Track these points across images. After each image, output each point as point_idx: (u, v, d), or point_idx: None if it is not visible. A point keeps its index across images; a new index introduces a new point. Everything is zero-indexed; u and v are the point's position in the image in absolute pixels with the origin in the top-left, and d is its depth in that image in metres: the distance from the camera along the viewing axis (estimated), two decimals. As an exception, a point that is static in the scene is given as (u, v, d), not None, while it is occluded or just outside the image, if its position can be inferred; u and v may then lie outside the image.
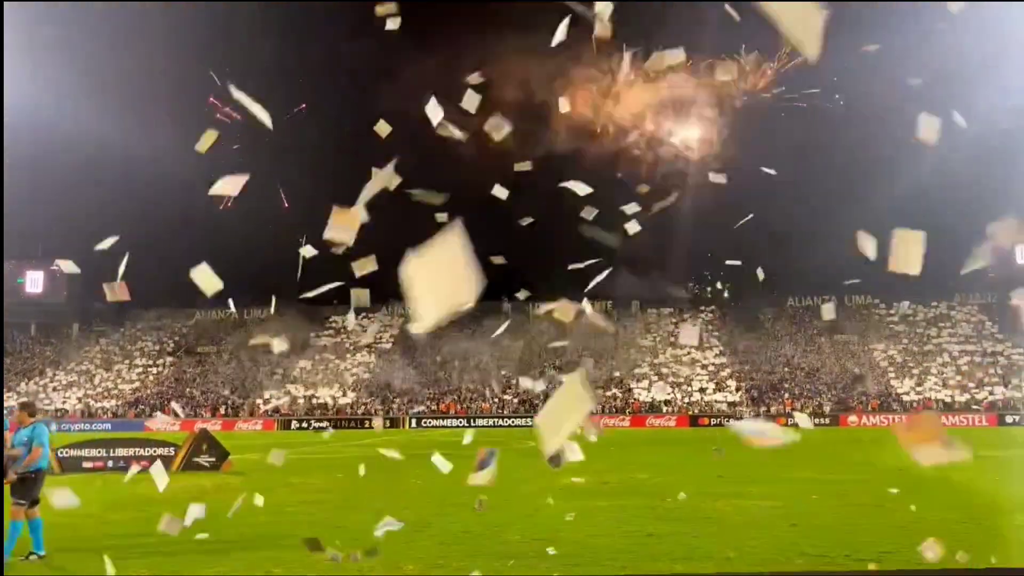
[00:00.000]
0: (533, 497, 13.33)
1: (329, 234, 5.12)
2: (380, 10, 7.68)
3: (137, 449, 19.85)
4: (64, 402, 61.36)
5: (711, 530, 10.23)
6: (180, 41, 52.66)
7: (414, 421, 54.37)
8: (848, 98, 50.12)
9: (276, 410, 57.93)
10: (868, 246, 5.61)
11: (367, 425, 54.03)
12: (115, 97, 51.35)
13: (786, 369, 57.82)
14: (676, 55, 9.14)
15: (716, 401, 54.51)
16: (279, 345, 10.76)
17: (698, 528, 10.38)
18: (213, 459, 19.34)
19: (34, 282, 68.88)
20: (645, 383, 57.55)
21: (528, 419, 53.18)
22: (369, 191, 5.39)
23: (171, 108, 53.87)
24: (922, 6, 41.80)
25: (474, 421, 53.50)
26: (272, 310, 71.75)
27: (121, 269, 8.01)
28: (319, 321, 70.49)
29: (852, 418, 49.87)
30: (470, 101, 8.39)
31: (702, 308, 66.70)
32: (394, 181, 6.29)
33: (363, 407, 57.78)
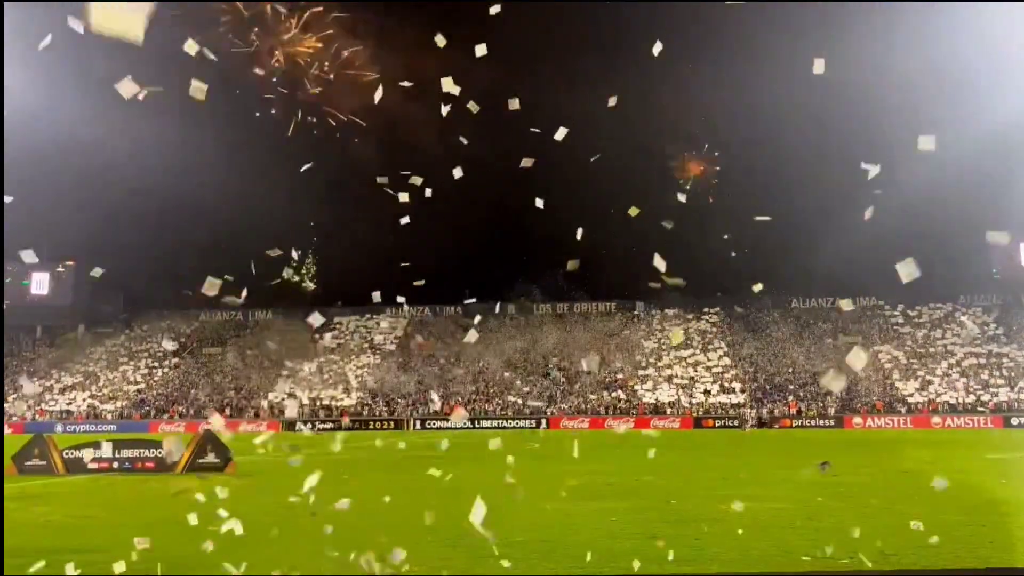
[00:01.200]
0: (537, 498, 13.33)
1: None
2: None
3: (142, 450, 19.88)
4: (70, 403, 61.55)
5: (715, 532, 10.22)
6: (185, 40, 52.65)
7: (418, 423, 54.41)
8: (851, 100, 50.06)
9: (281, 411, 58.01)
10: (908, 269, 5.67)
11: (370, 427, 54.22)
12: (121, 99, 51.42)
13: (791, 371, 57.73)
14: None
15: (720, 403, 54.47)
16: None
17: (702, 530, 10.37)
18: (218, 460, 19.35)
19: (40, 284, 69.09)
20: (650, 385, 57.52)
21: (531, 420, 53.22)
22: None
23: (177, 111, 53.97)
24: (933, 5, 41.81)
25: (478, 423, 53.54)
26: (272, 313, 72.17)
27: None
28: (324, 323, 70.62)
29: (857, 420, 49.79)
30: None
31: (706, 310, 66.64)
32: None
33: (367, 408, 57.86)
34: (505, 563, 8.44)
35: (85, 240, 60.29)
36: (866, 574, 8.19)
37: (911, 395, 53.12)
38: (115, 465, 19.40)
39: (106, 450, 19.75)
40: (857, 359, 8.39)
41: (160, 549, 9.02)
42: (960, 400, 51.57)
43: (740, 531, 10.15)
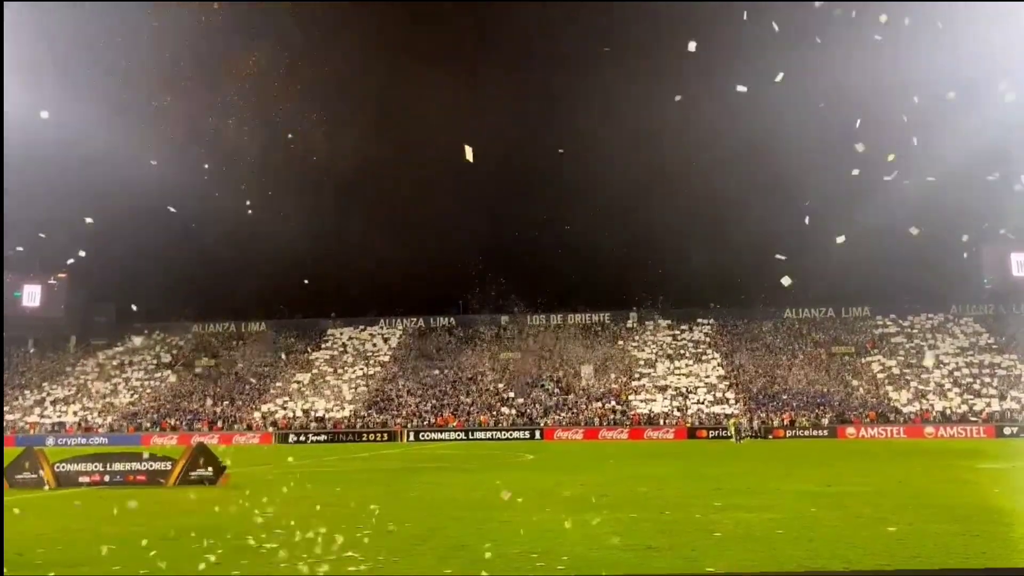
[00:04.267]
0: (531, 510, 13.31)
1: None
2: None
3: (134, 463, 19.75)
4: (59, 416, 61.20)
5: (710, 543, 10.22)
6: (188, 50, 52.57)
7: (412, 434, 54.25)
8: (847, 107, 50.28)
9: (274, 423, 57.78)
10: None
11: (364, 438, 54.09)
12: (116, 111, 51.41)
13: (785, 381, 57.81)
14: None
15: (714, 413, 54.47)
16: None
17: (698, 541, 10.37)
18: (210, 473, 19.24)
19: (31, 296, 68.79)
20: (643, 395, 57.51)
21: (525, 432, 53.16)
22: None
23: (172, 124, 53.88)
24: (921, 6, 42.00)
25: (472, 434, 53.43)
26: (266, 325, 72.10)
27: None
28: (317, 335, 70.58)
29: (850, 430, 49.86)
30: None
31: (700, 320, 66.75)
32: None
33: (360, 420, 57.67)
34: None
35: (77, 252, 60.04)
36: (866, 574, 8.23)
37: (904, 405, 53.25)
38: (106, 479, 19.27)
39: (103, 464, 19.60)
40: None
41: (153, 563, 8.98)
42: (953, 410, 51.71)
43: (735, 542, 10.16)
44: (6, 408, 61.35)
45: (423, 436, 53.75)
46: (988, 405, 51.55)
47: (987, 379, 54.89)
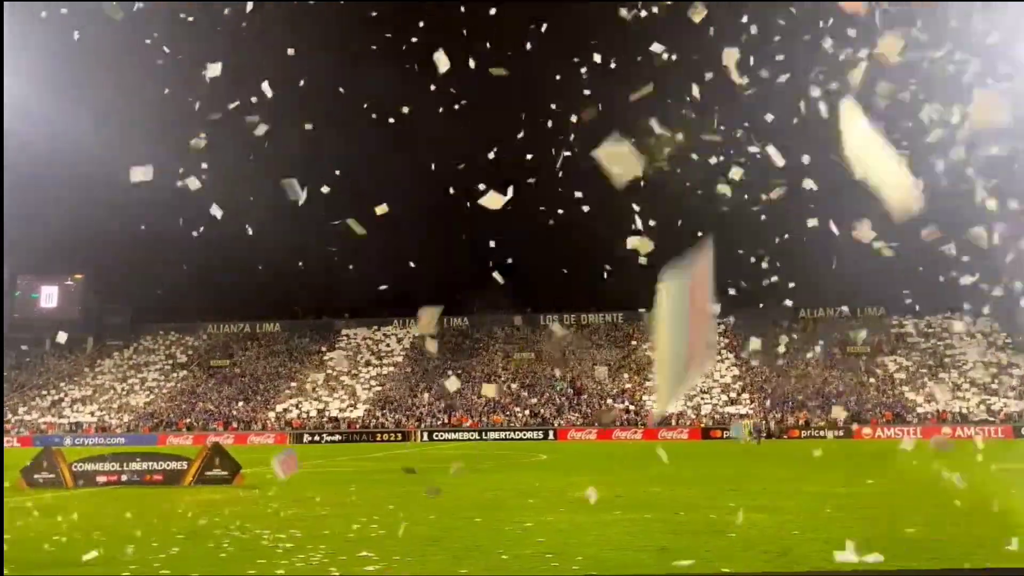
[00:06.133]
0: (545, 510, 13.31)
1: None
2: None
3: (151, 463, 19.89)
4: (73, 414, 61.74)
5: (725, 544, 10.19)
6: (196, 51, 52.78)
7: (425, 434, 54.36)
8: (861, 103, 49.91)
9: (288, 423, 58.05)
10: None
11: (378, 438, 54.24)
12: (130, 114, 51.77)
13: (800, 381, 57.49)
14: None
15: (729, 413, 54.26)
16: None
17: (712, 542, 10.33)
18: (226, 473, 19.35)
19: (49, 297, 69.47)
20: (657, 396, 57.38)
21: (538, 432, 53.11)
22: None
23: (183, 122, 54.16)
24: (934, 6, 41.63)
25: (486, 434, 53.46)
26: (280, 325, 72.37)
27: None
28: (331, 335, 70.85)
29: (866, 431, 49.52)
30: None
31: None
32: None
33: (375, 420, 57.84)
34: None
35: (94, 254, 60.58)
36: (880, 574, 8.18)
37: (920, 405, 52.84)
38: (123, 478, 19.42)
39: (120, 464, 19.75)
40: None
41: (168, 562, 9.05)
42: (970, 410, 51.27)
43: (750, 543, 10.12)
44: (24, 408, 61.95)
45: (437, 436, 53.85)
46: (1006, 405, 51.09)
47: (1005, 379, 54.37)
